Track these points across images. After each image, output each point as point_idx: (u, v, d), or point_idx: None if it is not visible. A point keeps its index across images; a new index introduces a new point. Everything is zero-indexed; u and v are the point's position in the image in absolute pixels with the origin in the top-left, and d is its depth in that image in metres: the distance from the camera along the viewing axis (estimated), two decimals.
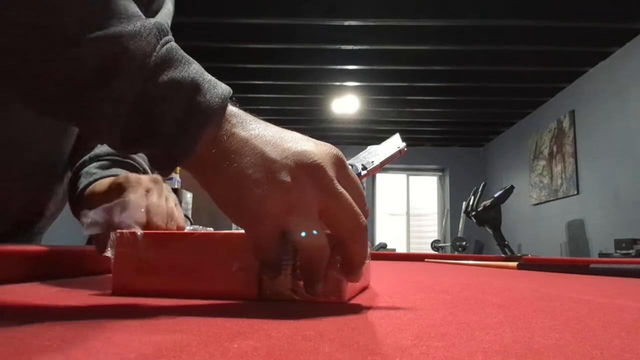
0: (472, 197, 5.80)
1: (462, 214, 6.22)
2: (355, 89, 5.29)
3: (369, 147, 0.44)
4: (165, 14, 0.59)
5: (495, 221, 5.28)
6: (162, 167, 0.32)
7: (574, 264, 1.16)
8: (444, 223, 7.77)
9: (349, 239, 0.33)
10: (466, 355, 0.20)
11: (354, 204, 0.33)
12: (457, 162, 7.81)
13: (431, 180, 8.29)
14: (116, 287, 0.39)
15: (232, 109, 0.34)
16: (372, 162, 0.39)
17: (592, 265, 0.97)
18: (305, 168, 0.32)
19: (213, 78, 0.34)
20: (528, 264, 1.19)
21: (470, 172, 7.60)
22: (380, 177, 8.06)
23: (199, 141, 0.31)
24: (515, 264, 1.19)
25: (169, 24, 0.57)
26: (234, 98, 0.34)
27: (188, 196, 5.12)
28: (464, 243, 6.11)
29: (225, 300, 0.35)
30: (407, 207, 8.14)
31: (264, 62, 4.57)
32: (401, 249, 7.75)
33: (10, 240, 0.60)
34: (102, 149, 0.65)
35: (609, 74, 4.38)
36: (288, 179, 0.31)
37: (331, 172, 0.32)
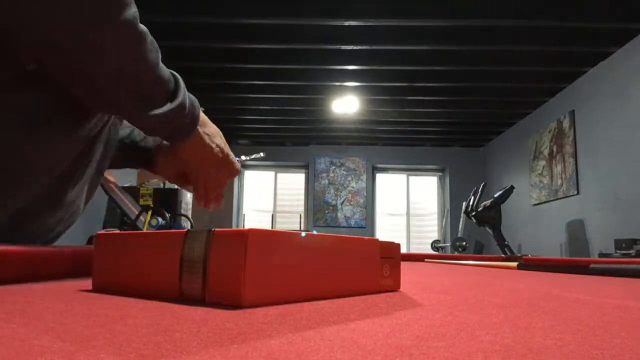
0: (472, 197, 5.80)
1: (462, 214, 6.22)
2: (355, 89, 5.29)
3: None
4: None
5: (495, 221, 5.28)
6: (186, 132, 0.70)
7: (574, 264, 1.16)
8: (444, 223, 7.77)
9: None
10: (466, 355, 0.20)
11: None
12: (457, 162, 7.81)
13: (431, 180, 8.29)
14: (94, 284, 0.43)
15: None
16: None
17: (592, 265, 0.97)
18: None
19: (192, 96, 0.69)
20: (528, 264, 1.19)
21: (470, 172, 7.60)
22: (380, 177, 8.06)
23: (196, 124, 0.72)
24: (515, 264, 1.19)
25: None
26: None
27: (188, 196, 5.12)
28: (464, 243, 6.11)
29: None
30: (407, 207, 8.14)
31: (264, 62, 4.57)
32: (401, 249, 7.73)
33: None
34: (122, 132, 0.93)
35: (609, 74, 4.38)
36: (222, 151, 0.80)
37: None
